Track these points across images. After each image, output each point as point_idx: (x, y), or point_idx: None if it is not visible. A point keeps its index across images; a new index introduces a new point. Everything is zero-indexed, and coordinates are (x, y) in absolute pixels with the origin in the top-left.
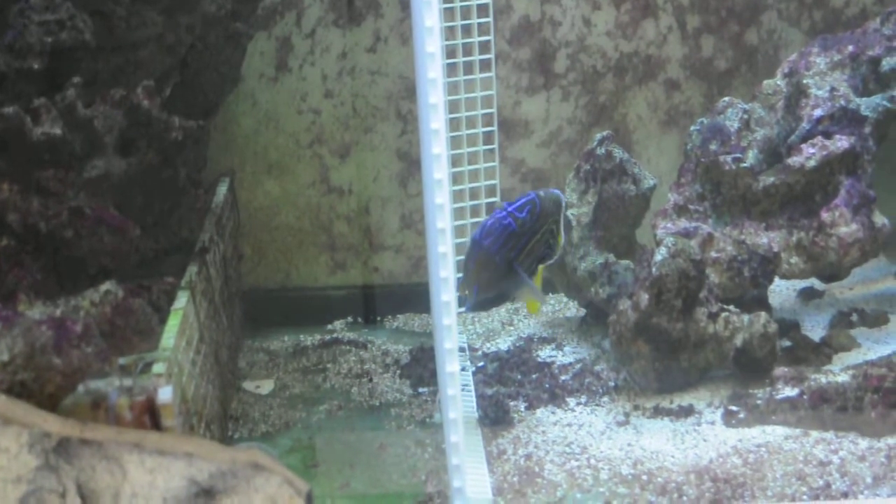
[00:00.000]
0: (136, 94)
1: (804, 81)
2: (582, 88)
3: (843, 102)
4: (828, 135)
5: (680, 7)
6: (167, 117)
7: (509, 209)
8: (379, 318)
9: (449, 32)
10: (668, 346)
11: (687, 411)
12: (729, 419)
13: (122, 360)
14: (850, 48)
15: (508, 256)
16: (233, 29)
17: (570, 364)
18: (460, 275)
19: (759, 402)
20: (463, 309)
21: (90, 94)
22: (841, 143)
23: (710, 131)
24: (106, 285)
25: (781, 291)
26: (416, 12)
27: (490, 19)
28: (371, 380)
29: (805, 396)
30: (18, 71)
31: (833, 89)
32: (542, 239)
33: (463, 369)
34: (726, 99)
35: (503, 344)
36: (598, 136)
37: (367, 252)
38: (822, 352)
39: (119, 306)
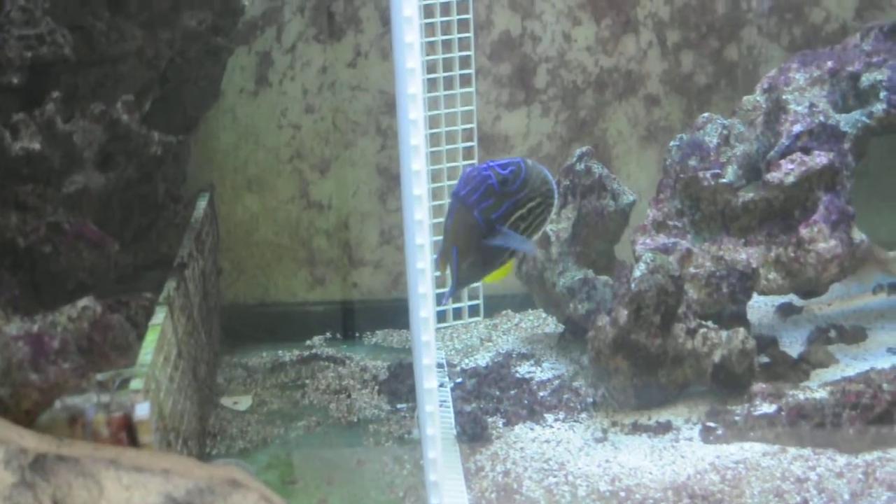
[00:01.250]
0: (115, 108)
1: (783, 97)
2: (562, 104)
3: (822, 118)
4: (807, 151)
5: (660, 23)
6: (147, 132)
7: (491, 164)
8: (358, 334)
9: (429, 48)
10: (647, 362)
11: (665, 428)
12: (707, 435)
13: (99, 376)
14: (830, 64)
15: (488, 215)
16: (213, 44)
17: (549, 380)
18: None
19: (736, 418)
20: (444, 300)
21: (69, 109)
22: (820, 158)
23: (690, 147)
24: (84, 301)
25: (760, 307)
26: (396, 28)
27: (471, 35)
28: (349, 396)
29: (783, 413)
30: None
31: (812, 105)
32: (527, 218)
33: (441, 385)
34: (706, 114)
35: (481, 360)
36: (578, 151)
37: (347, 267)
38: (800, 368)
39: (97, 322)
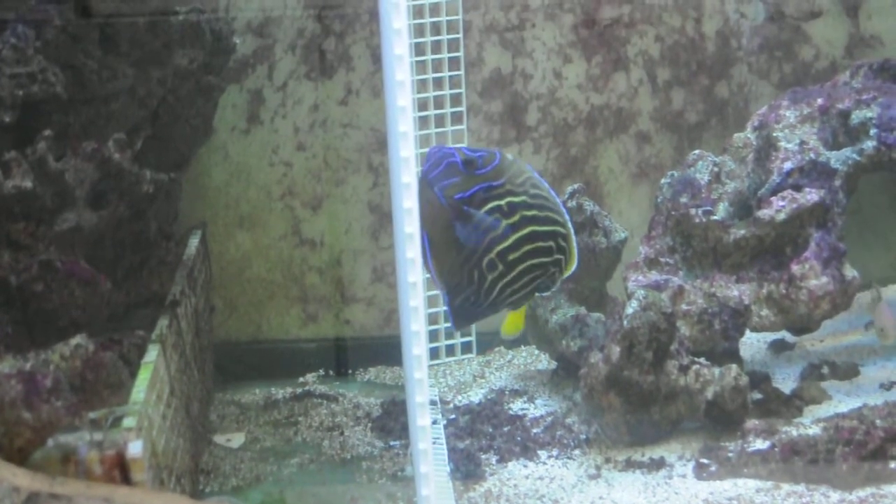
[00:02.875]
0: (107, 147)
1: (774, 134)
2: (553, 141)
3: (812, 155)
4: (798, 188)
5: (650, 60)
6: (138, 170)
7: (461, 147)
8: (350, 371)
9: (420, 85)
10: (640, 398)
11: (658, 464)
12: (700, 472)
13: (92, 415)
14: (820, 101)
15: (450, 193)
16: (204, 82)
17: (542, 417)
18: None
19: (730, 454)
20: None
21: (61, 147)
22: (811, 196)
23: (681, 184)
24: (76, 339)
25: (752, 344)
26: (387, 66)
27: (461, 72)
28: (342, 433)
29: (776, 449)
30: None
31: (803, 142)
32: (510, 214)
33: (434, 422)
34: (697, 152)
35: (475, 397)
36: (570, 188)
37: (339, 305)
38: (793, 404)
39: (89, 360)
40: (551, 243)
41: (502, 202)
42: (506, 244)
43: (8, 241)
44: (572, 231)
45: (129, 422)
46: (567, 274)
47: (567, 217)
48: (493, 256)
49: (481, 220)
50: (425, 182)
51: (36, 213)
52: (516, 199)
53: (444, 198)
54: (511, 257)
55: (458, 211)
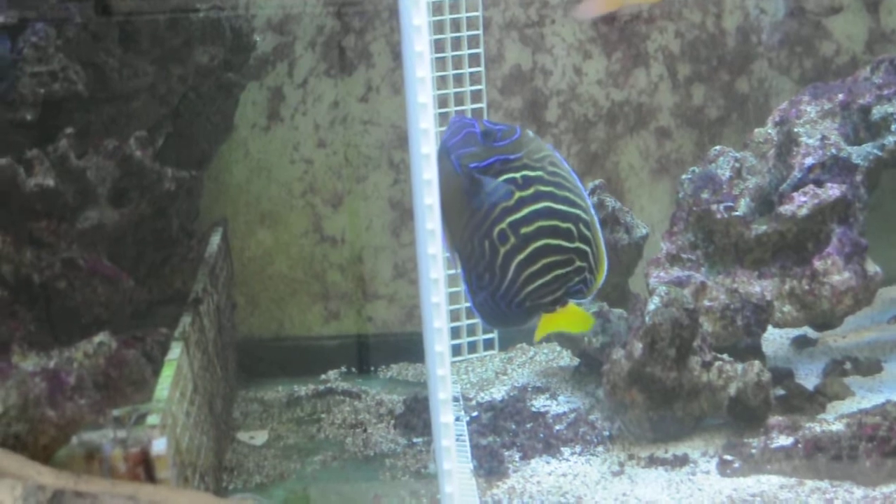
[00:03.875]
0: (128, 144)
1: (795, 130)
2: (573, 137)
3: (834, 151)
4: (819, 183)
5: (671, 56)
6: (160, 168)
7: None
8: (373, 368)
9: (441, 82)
10: (662, 395)
11: (682, 461)
12: (724, 468)
13: (116, 412)
14: (841, 97)
15: (466, 162)
16: (225, 79)
17: (565, 413)
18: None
19: (753, 451)
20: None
21: (83, 145)
22: (832, 191)
23: (702, 180)
24: (99, 337)
25: (775, 340)
26: (407, 63)
27: (482, 69)
28: (365, 430)
29: (800, 445)
30: (11, 122)
31: (824, 138)
32: (525, 187)
33: (457, 419)
34: (718, 147)
35: (497, 394)
36: (590, 184)
37: (361, 301)
38: (816, 400)
39: (113, 358)
40: (570, 226)
41: (517, 175)
42: (517, 216)
43: (30, 239)
44: (597, 220)
45: (152, 419)
46: (601, 278)
47: (589, 202)
48: (505, 227)
49: (494, 189)
50: (443, 149)
51: (58, 210)
52: (532, 174)
53: (460, 166)
54: (524, 230)
55: (471, 178)
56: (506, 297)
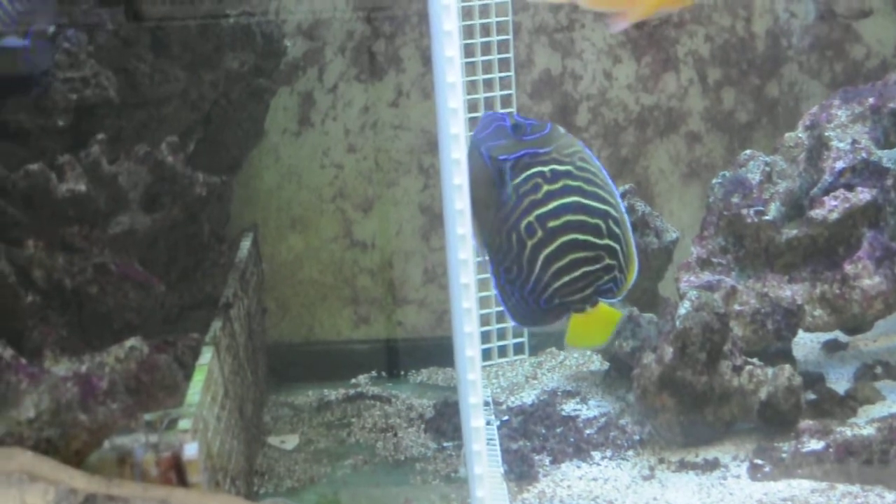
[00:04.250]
0: (160, 150)
1: (826, 134)
2: (603, 141)
3: (864, 155)
4: (850, 187)
5: (700, 60)
6: (191, 173)
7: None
8: (403, 373)
9: (470, 87)
10: (693, 399)
11: (712, 465)
12: (754, 473)
13: (147, 417)
14: (871, 100)
15: (495, 154)
16: (256, 85)
17: (595, 418)
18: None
19: (784, 455)
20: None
21: (114, 151)
22: (863, 195)
23: (732, 184)
24: (131, 341)
25: (805, 344)
26: (437, 68)
27: (511, 73)
28: (396, 434)
29: (831, 450)
30: (43, 128)
31: (855, 141)
32: (552, 181)
33: (487, 423)
34: (748, 152)
35: (527, 398)
36: (621, 189)
37: (391, 306)
38: (846, 405)
39: (144, 362)
40: (599, 222)
41: (546, 168)
42: (545, 209)
43: (63, 244)
44: (627, 218)
45: (184, 424)
46: (632, 277)
47: (620, 199)
48: (532, 219)
49: (522, 182)
50: (474, 142)
51: (90, 216)
52: (561, 168)
53: (489, 158)
54: (551, 224)
55: (500, 171)
56: (534, 292)
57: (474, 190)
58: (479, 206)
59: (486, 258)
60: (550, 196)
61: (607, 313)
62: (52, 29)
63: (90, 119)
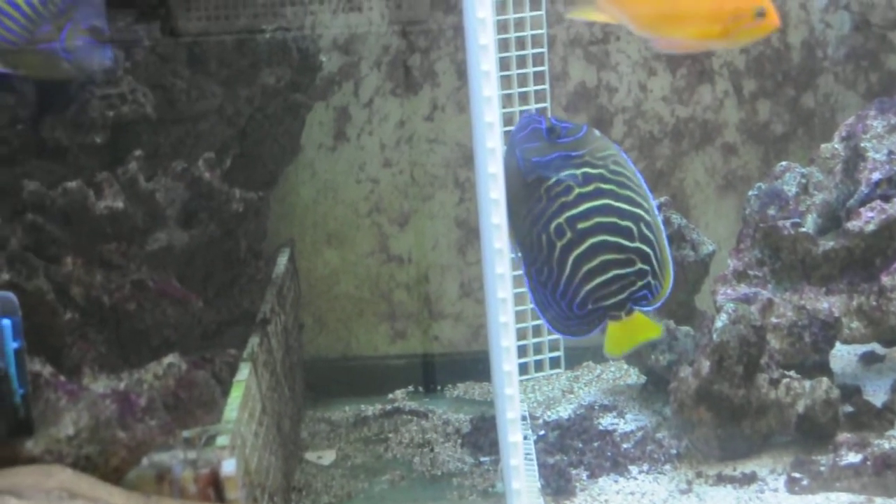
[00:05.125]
0: (197, 166)
1: (862, 145)
2: (639, 154)
3: None
4: (886, 198)
5: (736, 72)
6: (228, 189)
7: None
8: (439, 387)
9: (506, 100)
10: (730, 412)
11: (750, 478)
12: (792, 486)
13: (185, 433)
14: None
15: (529, 156)
16: (292, 100)
17: (632, 432)
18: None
19: (822, 468)
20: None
21: (151, 167)
22: None
23: (769, 196)
24: (169, 358)
25: (842, 356)
26: (473, 81)
27: (546, 87)
28: (433, 449)
29: (869, 462)
30: (81, 145)
31: (891, 152)
32: (584, 184)
33: (524, 438)
34: (784, 163)
35: (564, 412)
36: (656, 202)
37: (427, 321)
38: (884, 417)
39: (182, 379)
40: (630, 225)
41: (578, 171)
42: (575, 211)
43: (100, 261)
44: (661, 223)
45: (222, 440)
46: (668, 285)
47: (654, 204)
48: (562, 221)
49: (553, 184)
50: (509, 144)
51: (128, 233)
52: (593, 171)
53: (523, 160)
54: (581, 226)
55: (532, 173)
56: (565, 294)
57: (509, 192)
58: (512, 207)
59: (520, 257)
60: (581, 198)
61: (645, 323)
62: (90, 25)
63: (127, 136)
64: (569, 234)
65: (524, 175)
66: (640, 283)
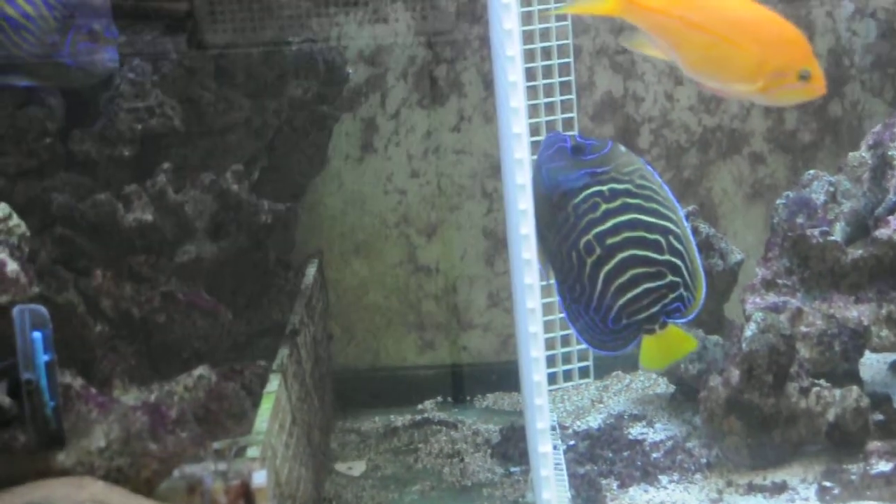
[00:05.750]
0: (225, 178)
1: (889, 153)
2: (666, 163)
3: None
4: None
5: None
6: (256, 200)
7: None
8: (468, 398)
9: (532, 110)
10: (760, 421)
11: (781, 488)
12: (823, 495)
13: (216, 445)
14: None
15: (555, 176)
16: (319, 112)
17: (662, 441)
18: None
19: (853, 477)
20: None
21: (180, 180)
22: None
23: (797, 205)
24: (199, 370)
25: (872, 364)
26: (501, 93)
27: (573, 96)
28: (462, 460)
29: None
30: (109, 158)
31: None
32: (610, 199)
33: (554, 448)
34: (812, 172)
35: (593, 422)
36: (684, 211)
37: (456, 331)
38: None
39: (212, 391)
40: (658, 237)
41: (604, 188)
42: (603, 227)
43: (130, 273)
44: (691, 235)
45: (252, 451)
46: (700, 296)
47: (683, 215)
48: (591, 238)
49: (580, 202)
50: (536, 163)
51: (157, 245)
52: (619, 186)
53: (549, 179)
54: (609, 241)
55: (559, 193)
56: (599, 310)
57: (536, 211)
58: (541, 228)
59: (552, 280)
60: (608, 214)
61: (680, 336)
62: (90, 30)
63: (155, 148)
64: (598, 251)
65: (551, 195)
66: (671, 296)
